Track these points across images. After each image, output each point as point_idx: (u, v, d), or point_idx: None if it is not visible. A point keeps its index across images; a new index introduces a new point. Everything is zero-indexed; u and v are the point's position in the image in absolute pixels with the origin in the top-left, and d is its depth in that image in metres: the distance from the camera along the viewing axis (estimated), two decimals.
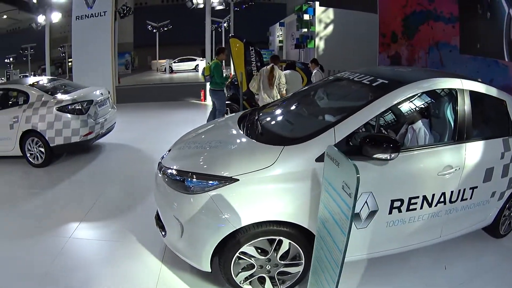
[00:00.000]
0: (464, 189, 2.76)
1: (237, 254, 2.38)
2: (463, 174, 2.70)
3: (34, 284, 2.83)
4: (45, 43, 11.07)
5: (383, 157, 2.26)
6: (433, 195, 2.61)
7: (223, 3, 15.14)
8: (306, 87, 4.09)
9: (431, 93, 2.80)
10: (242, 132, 2.89)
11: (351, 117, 2.45)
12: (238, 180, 2.31)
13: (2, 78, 22.06)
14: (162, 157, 3.00)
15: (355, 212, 2.25)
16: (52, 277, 2.91)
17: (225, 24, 24.51)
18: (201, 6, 12.58)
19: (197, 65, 28.97)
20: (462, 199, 2.78)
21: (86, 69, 11.57)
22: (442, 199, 2.66)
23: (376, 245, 2.60)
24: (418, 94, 2.72)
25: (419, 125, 2.70)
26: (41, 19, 12.30)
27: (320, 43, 17.26)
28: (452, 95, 2.79)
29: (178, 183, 2.51)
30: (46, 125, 5.65)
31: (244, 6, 22.44)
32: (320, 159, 2.29)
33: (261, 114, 3.26)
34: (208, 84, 8.02)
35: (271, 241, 2.40)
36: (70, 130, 5.71)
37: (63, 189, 4.94)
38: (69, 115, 5.70)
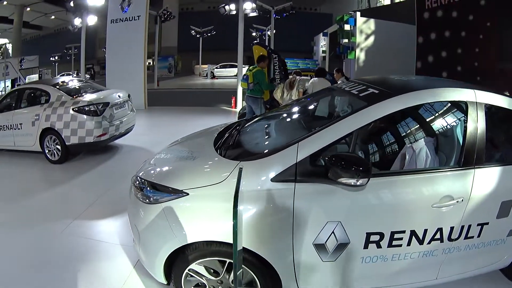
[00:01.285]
0: (470, 225, 2.27)
1: (186, 270, 2.24)
2: (469, 207, 2.21)
3: None
4: (81, 45, 11.56)
5: (349, 183, 1.92)
6: (425, 230, 2.17)
7: (256, 10, 14.97)
8: (301, 98, 3.79)
9: (435, 106, 2.40)
10: (212, 144, 2.68)
11: (319, 132, 2.13)
12: (187, 194, 2.14)
13: (46, 73, 23.30)
14: None
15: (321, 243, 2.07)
16: (24, 270, 3.00)
17: (268, 32, 24.56)
18: (234, 12, 12.51)
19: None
20: (466, 237, 2.30)
21: (119, 71, 11.91)
22: (438, 236, 2.21)
23: (350, 281, 2.24)
24: (418, 107, 2.35)
25: (420, 144, 2.29)
26: (77, 21, 12.85)
27: (360, 54, 16.68)
28: (461, 108, 2.33)
29: (139, 191, 2.41)
30: (63, 124, 5.85)
31: (285, 14, 22.44)
32: (278, 179, 2.03)
33: (243, 125, 3.03)
34: (247, 91, 7.84)
35: (223, 262, 2.18)
36: (85, 131, 5.83)
37: (71, 186, 5.10)
38: (84, 116, 5.85)
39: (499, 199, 2.29)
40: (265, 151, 2.21)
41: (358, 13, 15.79)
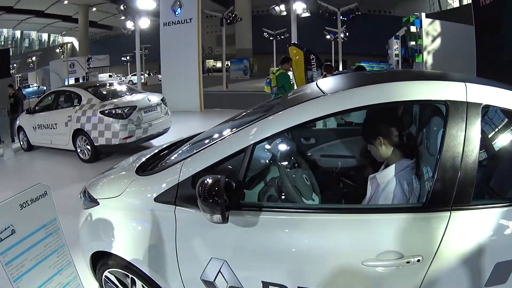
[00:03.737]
0: None
1: (103, 276, 2.13)
2: (433, 268, 1.42)
3: None
4: (136, 48, 11.97)
5: (207, 216, 1.53)
6: None
7: (321, 11, 14.53)
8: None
9: (404, 111, 1.95)
10: (147, 155, 2.53)
11: (206, 149, 1.78)
12: (98, 203, 2.10)
13: (94, 75, 24.75)
14: None
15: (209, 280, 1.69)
16: None
17: (341, 35, 23.92)
18: (284, 13, 12.20)
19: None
20: None
21: (174, 74, 12.11)
22: None
23: None
24: (372, 114, 1.87)
25: (387, 174, 1.70)
26: (129, 24, 13.32)
27: (428, 58, 15.39)
28: (438, 113, 1.63)
29: (82, 196, 2.41)
30: (91, 126, 6.18)
31: (351, 16, 21.60)
32: (160, 199, 1.79)
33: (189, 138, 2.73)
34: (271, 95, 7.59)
35: (128, 276, 2.03)
36: (111, 133, 6.09)
37: None
38: (110, 119, 6.10)
39: (492, 259, 1.42)
40: (156, 168, 2.01)
41: (423, 14, 14.59)
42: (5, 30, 42.42)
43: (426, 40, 15.22)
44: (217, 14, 23.71)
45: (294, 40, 11.99)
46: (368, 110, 1.88)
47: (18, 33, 44.12)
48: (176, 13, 11.68)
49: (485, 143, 1.60)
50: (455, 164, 1.44)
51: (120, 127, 6.09)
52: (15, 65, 34.01)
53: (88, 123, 6.18)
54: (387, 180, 1.68)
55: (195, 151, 1.83)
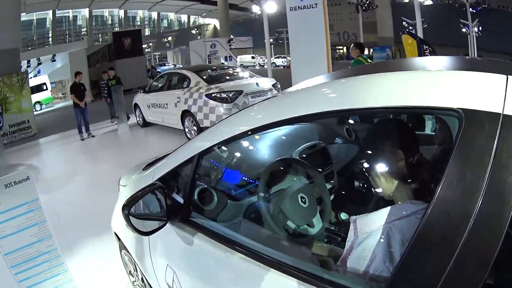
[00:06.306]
0: None
1: (121, 253, 2.33)
2: None
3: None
4: (265, 33, 11.87)
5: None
6: None
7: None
8: None
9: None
10: None
11: (170, 154, 1.72)
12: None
13: (262, 57, 24.97)
14: None
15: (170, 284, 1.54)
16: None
17: (475, 29, 20.53)
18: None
19: None
20: None
21: (302, 58, 11.78)
22: None
23: None
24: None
25: (372, 221, 0.98)
26: (255, 9, 13.29)
27: None
28: (445, 134, 1.06)
29: None
30: (197, 108, 6.30)
31: (479, 8, 18.88)
32: None
33: None
34: None
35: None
36: (215, 116, 6.10)
37: None
38: (215, 102, 6.10)
39: None
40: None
41: None
42: (140, 12, 46.95)
43: None
44: (351, 0, 22.41)
45: (419, 29, 10.74)
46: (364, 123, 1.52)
47: (154, 15, 48.48)
48: None
49: None
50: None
51: (224, 111, 6.04)
52: (150, 44, 37.37)
53: (195, 105, 6.31)
54: (370, 231, 0.97)
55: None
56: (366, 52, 6.92)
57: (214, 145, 1.39)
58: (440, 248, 0.68)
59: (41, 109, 18.23)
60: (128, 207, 1.31)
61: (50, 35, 38.56)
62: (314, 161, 1.67)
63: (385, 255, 0.89)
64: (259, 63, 32.41)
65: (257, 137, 1.57)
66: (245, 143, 1.64)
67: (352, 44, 6.21)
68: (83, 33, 41.45)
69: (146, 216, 1.42)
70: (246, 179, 1.71)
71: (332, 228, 1.44)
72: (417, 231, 0.71)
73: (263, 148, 1.69)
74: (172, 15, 49.90)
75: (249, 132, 1.23)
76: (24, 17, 28.85)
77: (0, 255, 2.09)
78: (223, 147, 1.52)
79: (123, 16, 44.74)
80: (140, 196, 1.38)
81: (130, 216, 1.31)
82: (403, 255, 0.75)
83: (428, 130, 1.53)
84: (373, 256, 0.92)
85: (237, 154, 1.67)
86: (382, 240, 0.92)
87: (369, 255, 0.92)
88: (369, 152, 1.13)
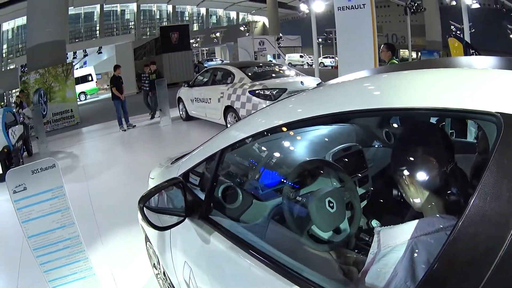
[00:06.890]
0: None
1: (146, 245, 2.35)
2: None
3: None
4: (313, 33, 11.67)
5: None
6: None
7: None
8: None
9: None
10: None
11: (196, 150, 1.62)
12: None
13: (310, 56, 24.34)
14: None
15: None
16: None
17: None
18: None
19: None
20: None
21: (350, 59, 11.54)
22: None
23: None
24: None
25: (396, 235, 0.88)
26: (303, 7, 12.96)
27: None
28: (483, 141, 0.85)
29: None
30: (240, 104, 6.28)
31: None
32: None
33: None
34: None
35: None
36: None
37: None
38: (258, 99, 6.05)
39: None
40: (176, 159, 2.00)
41: None
42: (188, 7, 47.11)
43: None
44: (400, 2, 21.44)
45: (466, 33, 10.38)
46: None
47: (203, 10, 48.76)
48: None
49: None
50: None
51: None
52: (198, 39, 37.36)
53: (238, 101, 6.28)
54: (394, 245, 0.88)
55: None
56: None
57: (238, 142, 1.32)
58: (468, 271, 0.59)
59: (85, 99, 19.05)
60: (143, 200, 1.27)
61: (98, 28, 39.83)
62: (348, 164, 1.57)
63: (407, 273, 0.80)
64: (307, 62, 31.87)
65: (290, 133, 1.47)
66: (275, 141, 1.57)
67: (383, 45, 5.53)
68: (130, 27, 42.52)
69: (163, 210, 1.39)
70: (272, 179, 1.61)
71: (361, 236, 1.36)
72: (444, 249, 0.63)
73: (294, 147, 1.60)
74: (220, 11, 50.40)
75: (278, 129, 1.20)
76: (72, 11, 30.14)
77: (24, 237, 2.19)
78: (248, 144, 1.45)
79: (171, 11, 45.58)
80: (157, 191, 1.35)
81: (145, 210, 1.26)
82: (425, 274, 0.67)
83: (470, 137, 1.45)
84: (393, 273, 0.83)
85: (264, 152, 1.59)
86: (405, 256, 0.83)
87: (390, 272, 0.84)
88: (399, 158, 1.01)
